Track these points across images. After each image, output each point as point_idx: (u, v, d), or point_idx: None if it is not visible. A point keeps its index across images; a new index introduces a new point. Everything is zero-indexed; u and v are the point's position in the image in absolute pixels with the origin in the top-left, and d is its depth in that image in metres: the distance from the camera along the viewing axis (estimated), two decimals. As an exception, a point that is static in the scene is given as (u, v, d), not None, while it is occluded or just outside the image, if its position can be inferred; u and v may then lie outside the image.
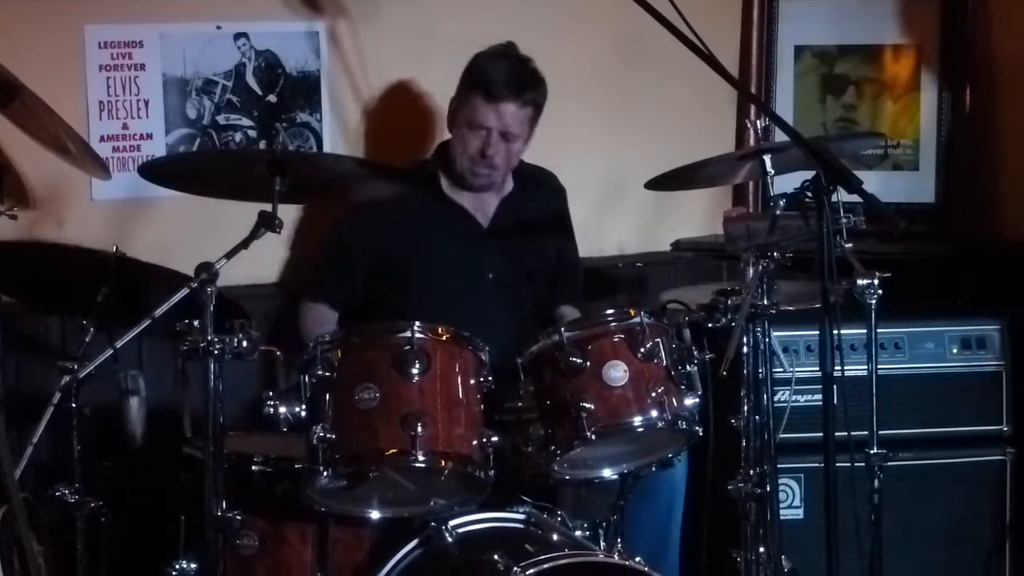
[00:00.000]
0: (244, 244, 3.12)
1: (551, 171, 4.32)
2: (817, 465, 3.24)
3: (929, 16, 4.75)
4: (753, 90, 4.82)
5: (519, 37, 4.12)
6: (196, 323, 3.06)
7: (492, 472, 3.24)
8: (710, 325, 3.46)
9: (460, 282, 4.05)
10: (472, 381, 3.27)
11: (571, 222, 4.35)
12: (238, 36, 4.30)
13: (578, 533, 3.46)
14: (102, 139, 4.15)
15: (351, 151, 4.42)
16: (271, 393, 3.22)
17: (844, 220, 3.25)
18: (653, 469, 3.50)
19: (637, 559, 3.32)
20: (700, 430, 3.37)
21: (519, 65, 4.02)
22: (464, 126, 4.01)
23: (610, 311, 3.40)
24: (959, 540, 4.19)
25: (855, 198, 3.13)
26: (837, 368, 3.14)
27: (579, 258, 4.39)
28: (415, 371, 3.17)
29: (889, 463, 3.59)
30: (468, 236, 4.11)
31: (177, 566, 3.30)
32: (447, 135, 4.14)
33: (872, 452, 3.56)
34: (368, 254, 4.08)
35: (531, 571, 3.08)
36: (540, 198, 4.25)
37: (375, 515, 3.31)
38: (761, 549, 3.50)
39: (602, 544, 3.47)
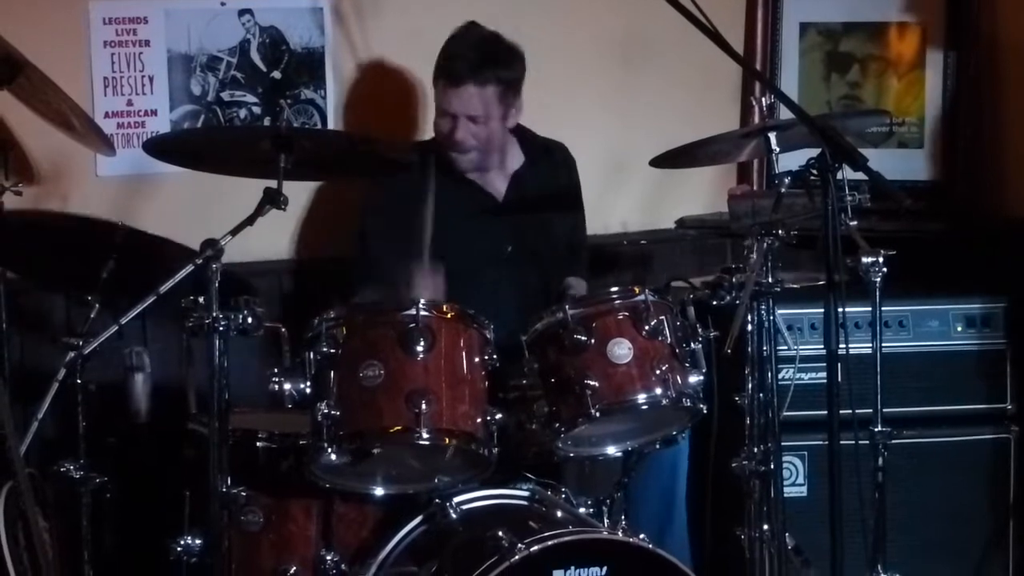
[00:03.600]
0: (249, 221, 3.11)
1: (562, 143, 4.28)
2: (821, 443, 3.24)
3: (935, -7, 4.74)
4: (758, 67, 4.80)
5: (524, 15, 4.12)
6: (201, 299, 3.07)
7: (496, 449, 3.24)
8: (714, 303, 3.46)
9: (478, 258, 4.02)
10: (476, 359, 3.26)
11: (582, 194, 4.32)
12: (242, 12, 4.29)
13: (582, 510, 3.46)
14: (107, 115, 4.15)
15: (355, 128, 4.42)
16: (276, 370, 3.22)
17: (849, 198, 3.26)
18: (657, 446, 3.50)
19: (641, 536, 3.33)
20: (704, 408, 3.37)
21: (480, 44, 3.95)
22: (436, 112, 4.00)
23: (614, 288, 3.40)
24: (962, 518, 4.18)
25: (860, 176, 3.13)
26: (841, 346, 3.13)
27: (585, 231, 4.38)
28: (420, 348, 3.17)
29: (893, 441, 3.60)
30: (485, 212, 4.09)
31: (182, 542, 3.32)
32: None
33: (876, 430, 3.57)
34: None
35: (535, 548, 3.09)
36: (551, 171, 4.22)
37: (379, 492, 3.31)
38: (765, 526, 3.51)
39: (606, 521, 3.46)
